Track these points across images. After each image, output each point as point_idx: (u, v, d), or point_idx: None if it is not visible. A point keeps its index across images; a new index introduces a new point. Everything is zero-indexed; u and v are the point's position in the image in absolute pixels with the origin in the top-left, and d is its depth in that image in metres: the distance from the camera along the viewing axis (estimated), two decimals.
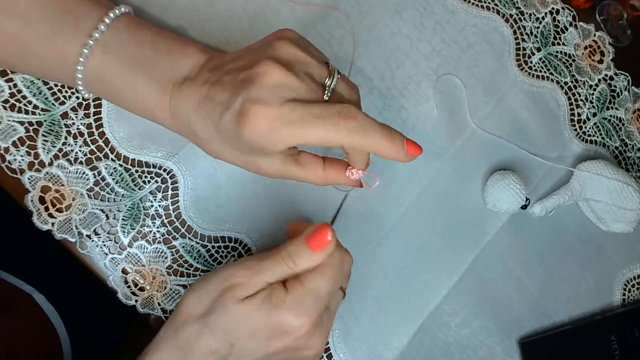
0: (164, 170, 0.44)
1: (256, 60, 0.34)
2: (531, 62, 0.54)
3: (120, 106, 0.39)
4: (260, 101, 0.32)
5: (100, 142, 0.43)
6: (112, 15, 0.36)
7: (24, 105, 0.42)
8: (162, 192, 0.44)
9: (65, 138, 0.42)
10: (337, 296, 0.39)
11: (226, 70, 0.35)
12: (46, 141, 0.42)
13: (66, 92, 0.43)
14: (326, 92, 0.35)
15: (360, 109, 0.37)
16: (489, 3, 0.53)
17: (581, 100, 0.55)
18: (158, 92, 0.37)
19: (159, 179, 0.44)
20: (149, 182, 0.44)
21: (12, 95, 0.41)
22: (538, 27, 0.55)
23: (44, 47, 0.35)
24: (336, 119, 0.33)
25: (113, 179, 0.43)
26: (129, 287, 0.43)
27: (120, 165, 0.43)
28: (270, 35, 0.37)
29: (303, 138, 0.33)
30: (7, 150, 0.41)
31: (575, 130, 0.55)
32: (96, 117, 0.43)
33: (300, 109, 0.33)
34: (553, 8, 0.55)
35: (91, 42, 0.35)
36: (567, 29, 0.56)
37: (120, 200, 0.43)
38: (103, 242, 0.43)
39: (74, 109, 0.43)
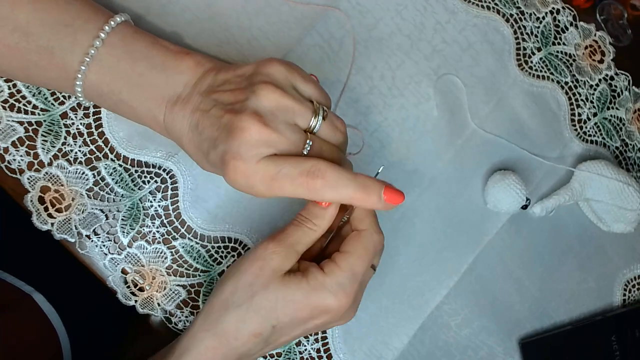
0: (164, 170, 0.44)
1: (240, 105, 0.35)
2: (531, 62, 0.54)
3: (120, 115, 0.40)
4: (238, 156, 0.34)
5: (100, 142, 0.43)
6: (107, 28, 0.37)
7: (24, 105, 0.42)
8: (162, 192, 0.44)
9: (65, 138, 0.42)
10: (369, 272, 0.39)
11: (215, 99, 0.36)
12: (45, 141, 0.42)
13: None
14: (306, 145, 0.36)
15: (342, 150, 0.39)
16: (490, 3, 0.53)
17: (582, 100, 0.55)
18: (152, 110, 0.38)
19: (158, 179, 0.44)
20: (148, 182, 0.44)
21: (11, 95, 0.41)
22: (538, 27, 0.55)
23: (44, 60, 0.36)
24: (303, 179, 0.34)
25: (112, 179, 0.43)
26: (128, 287, 0.43)
27: (120, 165, 0.43)
28: (258, 69, 0.37)
29: (277, 192, 0.34)
30: (6, 150, 0.41)
31: (576, 130, 0.55)
32: (95, 117, 0.43)
33: (272, 167, 0.34)
34: (553, 8, 0.55)
35: (88, 60, 0.36)
36: (567, 29, 0.56)
37: (120, 200, 0.43)
38: (102, 242, 0.42)
39: (73, 109, 0.43)
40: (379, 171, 0.38)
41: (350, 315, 0.38)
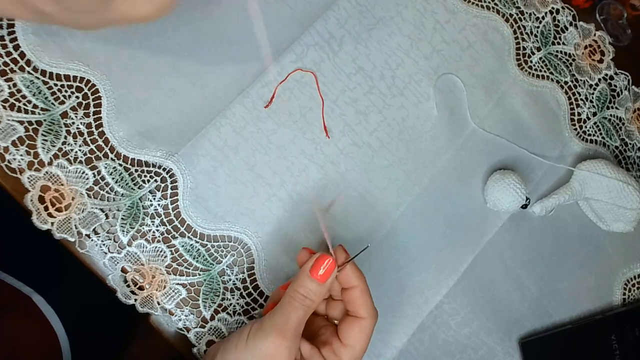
0: (164, 169, 0.44)
1: None
2: (531, 62, 0.54)
3: None
4: None
5: (100, 142, 0.43)
6: None
7: (24, 104, 0.42)
8: (162, 191, 0.44)
9: (65, 137, 0.42)
10: None
11: None
12: (46, 140, 0.42)
13: (66, 91, 0.43)
14: None
15: None
16: (489, 3, 0.53)
17: (581, 99, 0.55)
18: None
19: (158, 178, 0.44)
20: (148, 181, 0.44)
21: (11, 94, 0.41)
22: (538, 27, 0.55)
23: None
24: None
25: (112, 178, 0.43)
26: (128, 286, 0.43)
27: (120, 165, 0.43)
28: None
29: None
30: (6, 149, 0.41)
31: (576, 129, 0.55)
32: (96, 116, 0.43)
33: None
34: (553, 7, 0.55)
35: None
36: (567, 29, 0.56)
37: (120, 199, 0.43)
38: (102, 241, 0.42)
39: (73, 109, 0.43)
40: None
41: None
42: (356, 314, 0.37)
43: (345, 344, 0.36)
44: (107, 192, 0.43)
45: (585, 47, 0.56)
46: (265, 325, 0.35)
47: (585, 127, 0.55)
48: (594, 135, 0.56)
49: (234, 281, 0.45)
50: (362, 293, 0.38)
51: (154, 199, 0.44)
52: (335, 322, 0.41)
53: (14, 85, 0.42)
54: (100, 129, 0.43)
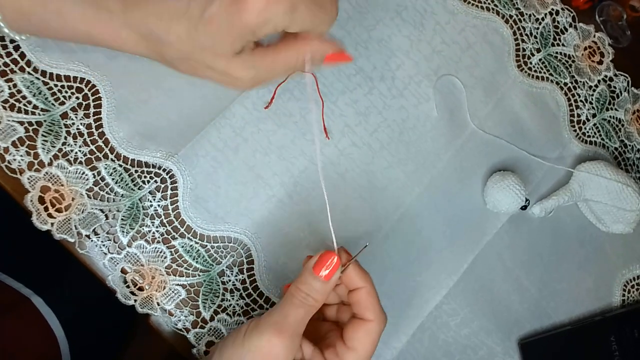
0: (164, 170, 0.44)
1: None
2: (531, 63, 0.54)
3: (57, 38, 0.35)
4: None
5: (100, 142, 0.43)
6: None
7: (24, 105, 0.42)
8: (162, 192, 0.44)
9: (65, 138, 0.42)
10: None
11: None
12: (46, 141, 0.42)
13: (66, 92, 0.43)
14: None
15: None
16: (489, 4, 0.53)
17: (581, 101, 0.55)
18: (94, 11, 0.32)
19: (158, 179, 0.44)
20: (148, 182, 0.44)
21: (11, 95, 0.41)
22: (538, 28, 0.55)
23: None
24: None
25: (112, 179, 0.43)
26: (128, 286, 0.43)
27: (120, 166, 0.43)
28: None
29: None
30: (6, 150, 0.41)
31: (575, 131, 0.55)
32: (96, 117, 0.43)
33: None
34: (553, 9, 0.55)
35: None
36: (566, 30, 0.56)
37: (120, 200, 0.43)
38: (102, 242, 0.42)
39: (73, 109, 0.43)
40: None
41: None
42: (362, 317, 0.36)
43: (349, 347, 0.35)
44: (107, 192, 0.43)
45: (585, 49, 0.56)
46: (263, 322, 0.35)
47: (585, 128, 0.55)
48: (593, 136, 0.56)
49: (233, 282, 0.45)
50: (368, 295, 0.36)
51: (154, 199, 0.44)
52: None
53: (14, 85, 0.42)
54: (100, 130, 0.43)
